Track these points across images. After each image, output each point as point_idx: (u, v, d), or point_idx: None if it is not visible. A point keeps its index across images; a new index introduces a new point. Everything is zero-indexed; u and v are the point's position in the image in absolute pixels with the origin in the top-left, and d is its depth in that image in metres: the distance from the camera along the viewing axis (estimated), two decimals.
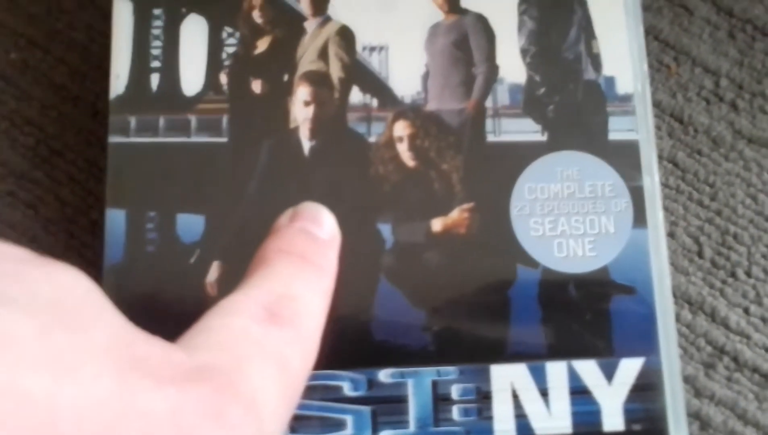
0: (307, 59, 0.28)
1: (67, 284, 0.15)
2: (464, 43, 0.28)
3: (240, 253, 0.26)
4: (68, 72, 0.32)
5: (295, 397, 0.20)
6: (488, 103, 0.28)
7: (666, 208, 0.30)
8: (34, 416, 0.13)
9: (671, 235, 0.30)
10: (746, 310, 0.29)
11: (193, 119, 0.27)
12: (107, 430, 0.13)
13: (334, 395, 0.25)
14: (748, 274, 0.30)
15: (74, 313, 0.15)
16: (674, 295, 0.29)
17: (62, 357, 0.14)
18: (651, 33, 0.32)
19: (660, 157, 0.31)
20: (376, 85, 0.28)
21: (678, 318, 0.29)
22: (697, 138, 0.31)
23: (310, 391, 0.25)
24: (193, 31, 0.28)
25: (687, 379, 0.29)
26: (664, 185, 0.31)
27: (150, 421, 0.14)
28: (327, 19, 0.28)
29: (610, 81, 0.28)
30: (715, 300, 0.29)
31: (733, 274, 0.30)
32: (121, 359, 0.15)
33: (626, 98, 0.28)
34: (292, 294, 0.21)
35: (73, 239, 0.30)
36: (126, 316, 0.17)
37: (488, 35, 0.28)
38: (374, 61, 0.28)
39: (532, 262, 0.26)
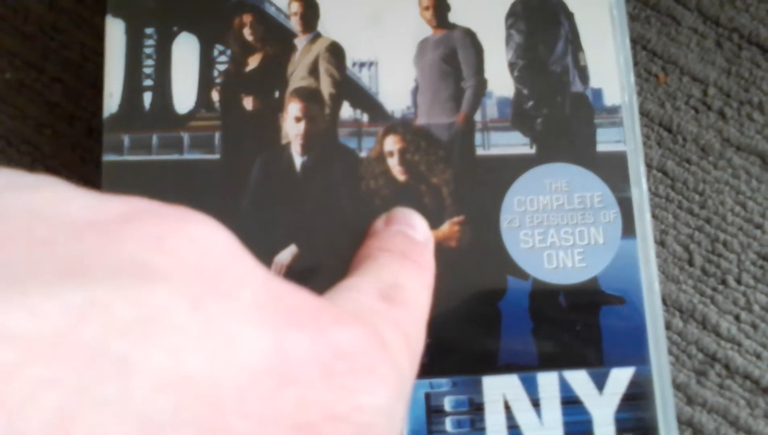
0: (297, 75, 0.28)
1: (209, 243, 0.14)
2: (453, 57, 0.29)
3: None
4: (63, 91, 0.32)
5: (414, 376, 0.20)
6: (477, 116, 0.28)
7: (656, 217, 0.31)
8: (198, 400, 0.12)
9: (661, 243, 0.30)
10: (737, 317, 0.29)
11: (185, 136, 0.28)
12: (270, 392, 0.13)
13: None
14: (739, 281, 0.30)
15: (221, 275, 0.14)
16: (665, 303, 0.30)
17: (218, 329, 0.13)
18: (639, 42, 0.32)
19: (649, 166, 0.31)
20: (366, 100, 0.28)
21: (669, 326, 0.29)
22: (686, 146, 0.31)
23: None
24: (185, 50, 0.28)
25: (679, 387, 0.29)
26: (654, 194, 0.31)
27: (309, 370, 0.14)
28: (317, 36, 0.29)
29: (598, 93, 0.28)
30: (706, 307, 0.30)
31: (724, 282, 0.30)
32: (275, 315, 0.14)
33: (614, 110, 0.28)
34: (401, 284, 0.22)
35: None
36: None
37: (476, 49, 0.29)
38: (364, 77, 0.28)
39: (522, 274, 0.26)
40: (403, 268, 0.23)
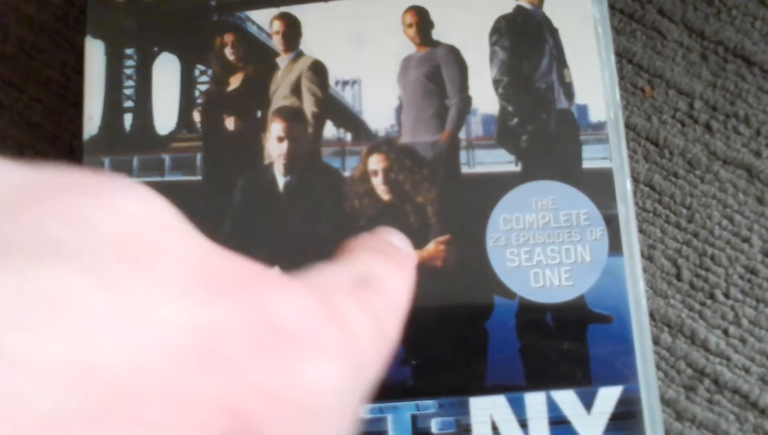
0: (280, 95, 0.28)
1: (136, 216, 0.13)
2: (437, 74, 0.28)
3: None
4: (43, 111, 0.32)
5: (383, 360, 0.19)
6: (462, 134, 0.28)
7: (643, 232, 0.30)
8: (107, 390, 0.11)
9: (649, 258, 0.30)
10: (725, 332, 0.29)
11: (167, 158, 0.27)
12: (193, 373, 0.12)
13: None
14: (727, 296, 0.30)
15: (145, 250, 0.13)
16: (653, 319, 0.30)
17: (133, 309, 0.12)
18: (625, 56, 0.32)
19: (636, 181, 0.31)
20: (349, 119, 0.28)
21: (657, 341, 0.29)
22: (673, 160, 0.31)
23: None
24: (166, 70, 0.28)
25: (668, 403, 0.29)
26: (642, 209, 0.31)
27: (240, 345, 0.13)
28: (299, 54, 0.28)
29: (583, 109, 0.28)
30: (695, 322, 0.29)
31: (712, 296, 0.30)
32: (203, 288, 0.13)
33: (599, 126, 0.28)
34: (378, 274, 0.20)
35: None
36: None
37: (460, 66, 0.28)
38: (347, 95, 0.28)
39: (509, 293, 0.26)
40: (382, 263, 0.21)
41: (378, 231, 0.25)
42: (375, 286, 0.20)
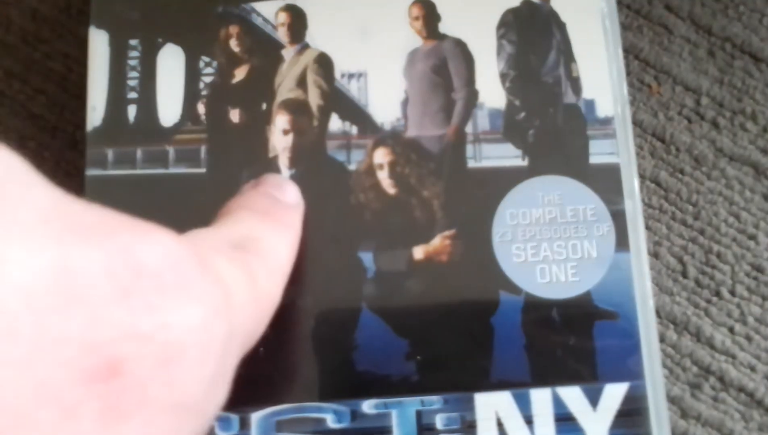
0: (285, 87, 0.28)
1: None
2: (443, 68, 0.28)
3: None
4: (46, 102, 0.32)
5: (263, 318, 0.19)
6: (468, 128, 0.27)
7: (649, 228, 0.30)
8: None
9: (655, 255, 0.30)
10: (731, 329, 0.29)
11: (171, 150, 0.27)
12: (53, 314, 0.12)
13: (318, 428, 0.25)
14: (733, 293, 0.30)
15: None
16: (659, 316, 0.29)
17: None
18: (631, 52, 0.32)
19: (643, 177, 0.31)
20: (355, 112, 0.28)
21: (663, 338, 0.29)
22: (680, 157, 0.31)
23: (293, 424, 0.25)
24: (170, 61, 0.28)
25: (673, 400, 0.29)
26: (648, 205, 0.30)
27: (102, 287, 0.13)
28: (305, 47, 0.28)
29: (590, 104, 0.28)
30: (700, 320, 0.29)
31: (718, 293, 0.30)
32: (61, 232, 0.13)
33: (606, 121, 0.28)
34: (256, 236, 0.20)
35: None
36: None
37: (467, 60, 0.28)
38: (353, 88, 0.28)
39: (514, 289, 0.26)
40: (262, 223, 0.21)
41: (264, 177, 0.24)
42: (254, 247, 0.20)
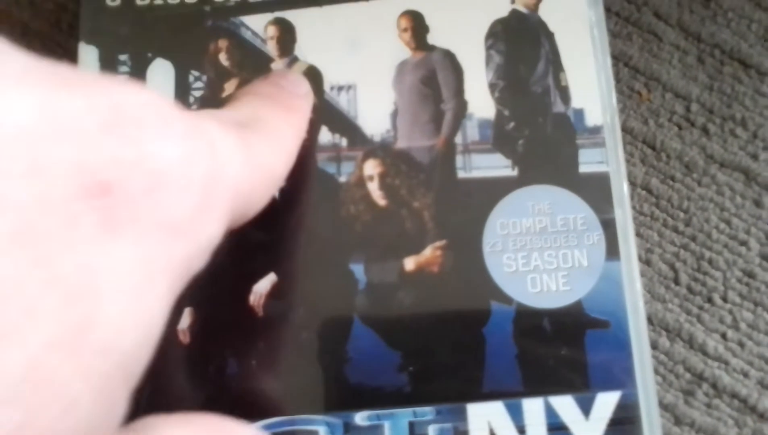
0: None
1: None
2: (432, 79, 0.28)
3: (212, 300, 0.26)
4: None
5: (260, 186, 0.19)
6: (458, 139, 0.28)
7: (640, 236, 0.30)
8: None
9: (647, 262, 0.30)
10: (723, 336, 0.29)
11: None
12: (42, 146, 0.13)
13: None
14: (725, 299, 0.30)
15: None
16: (651, 323, 0.29)
17: None
18: (621, 59, 0.32)
19: (633, 184, 0.31)
20: (344, 124, 0.28)
21: (655, 345, 0.29)
22: (670, 164, 0.31)
23: None
24: (160, 76, 0.28)
25: (666, 407, 0.29)
26: (639, 212, 0.31)
27: (87, 124, 0.14)
28: (294, 60, 0.28)
29: (579, 113, 0.28)
30: (693, 326, 0.29)
31: (710, 300, 0.30)
32: (47, 81, 0.14)
33: (596, 130, 0.28)
34: (260, 117, 0.21)
35: None
36: None
37: (456, 71, 0.28)
38: (342, 101, 0.28)
39: (506, 299, 0.26)
40: (268, 107, 0.22)
41: (275, 71, 0.24)
42: (256, 126, 0.20)
